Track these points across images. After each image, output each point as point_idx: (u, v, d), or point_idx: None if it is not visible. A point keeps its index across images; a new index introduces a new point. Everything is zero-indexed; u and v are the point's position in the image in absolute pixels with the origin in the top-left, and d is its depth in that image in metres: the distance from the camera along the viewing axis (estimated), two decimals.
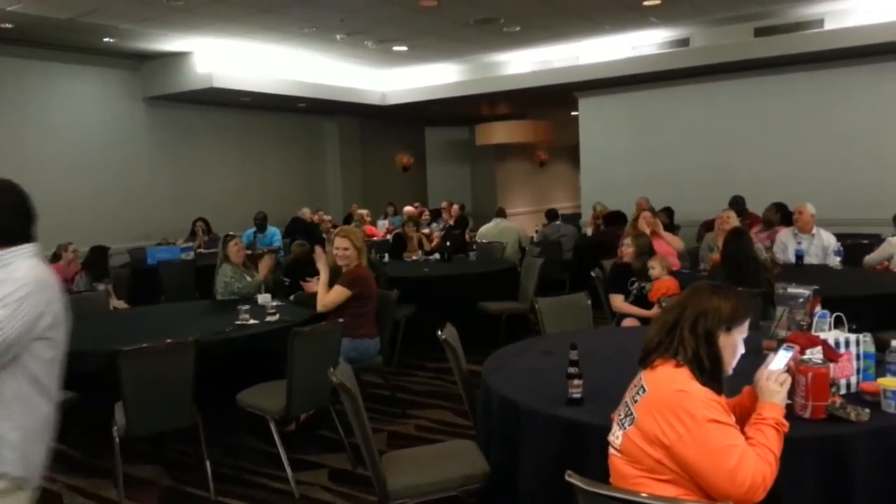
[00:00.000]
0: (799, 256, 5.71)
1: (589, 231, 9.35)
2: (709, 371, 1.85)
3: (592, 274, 5.26)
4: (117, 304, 5.79)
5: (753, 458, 1.74)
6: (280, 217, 10.11)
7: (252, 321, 4.27)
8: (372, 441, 2.58)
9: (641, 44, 9.15)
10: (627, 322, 4.73)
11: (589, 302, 4.27)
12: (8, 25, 7.28)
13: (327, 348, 3.61)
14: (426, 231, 8.78)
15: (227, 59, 9.15)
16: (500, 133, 13.00)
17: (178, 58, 9.10)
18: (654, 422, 1.80)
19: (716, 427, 1.74)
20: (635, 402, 1.88)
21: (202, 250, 8.55)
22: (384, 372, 4.79)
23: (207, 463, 3.56)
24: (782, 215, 6.58)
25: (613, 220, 7.45)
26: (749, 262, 4.48)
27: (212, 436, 3.71)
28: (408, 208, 9.70)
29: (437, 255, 7.17)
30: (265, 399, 3.65)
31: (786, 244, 5.99)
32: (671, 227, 7.58)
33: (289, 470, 3.56)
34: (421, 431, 4.38)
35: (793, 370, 1.99)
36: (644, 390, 1.88)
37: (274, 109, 11.22)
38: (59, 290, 1.87)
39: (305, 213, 9.92)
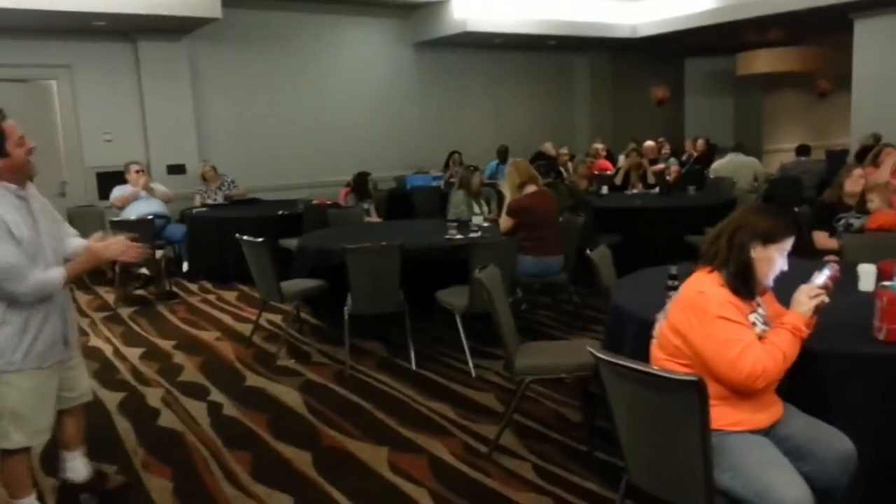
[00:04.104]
0: None
1: None
2: (739, 278, 2.14)
3: (796, 209, 5.11)
4: (370, 218, 7.08)
5: (758, 351, 2.03)
6: (528, 151, 10.82)
7: (458, 236, 5.10)
8: (506, 327, 3.22)
9: None
10: (829, 259, 4.60)
11: None
12: None
13: (504, 259, 4.26)
14: (660, 166, 8.81)
15: (481, 3, 9.93)
16: (764, 61, 12.02)
17: (439, 5, 10.13)
18: (678, 315, 2.17)
19: (723, 323, 2.06)
20: (671, 300, 2.25)
21: (453, 179, 9.67)
22: (568, 290, 5.34)
23: (411, 343, 4.53)
24: None
25: (862, 156, 6.78)
26: None
27: (419, 324, 4.68)
28: (648, 143, 9.72)
29: (657, 189, 7.31)
30: (454, 297, 4.45)
31: None
32: None
33: (468, 354, 4.37)
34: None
35: (830, 287, 2.15)
36: (679, 292, 2.23)
37: (524, 49, 11.82)
38: None
39: (548, 147, 10.48)
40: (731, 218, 2.25)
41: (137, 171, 7.21)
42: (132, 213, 7.01)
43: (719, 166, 8.09)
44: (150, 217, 6.77)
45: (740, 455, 2.01)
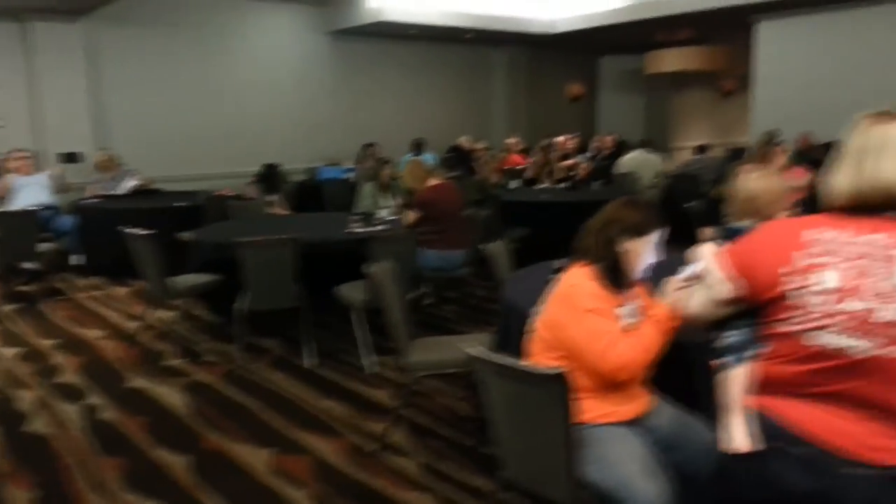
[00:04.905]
0: None
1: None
2: (609, 271, 2.13)
3: (685, 205, 5.25)
4: (276, 210, 6.86)
5: (624, 344, 2.02)
6: (444, 144, 10.77)
7: (359, 229, 4.98)
8: (397, 322, 3.14)
9: None
10: None
11: None
12: None
13: (403, 252, 4.19)
14: (570, 161, 8.94)
15: None
16: (671, 60, 12.37)
17: None
18: (552, 309, 2.15)
19: (592, 316, 2.04)
20: (548, 295, 2.22)
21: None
22: (472, 284, 5.33)
23: (307, 340, 4.39)
24: None
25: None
26: None
27: (323, 319, 4.52)
28: (558, 139, 9.83)
29: (565, 184, 7.40)
30: (353, 292, 4.34)
31: None
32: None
33: (363, 351, 4.27)
34: None
35: (697, 279, 2.16)
36: (555, 286, 2.21)
37: (441, 41, 11.75)
38: None
39: (463, 141, 10.47)
40: (601, 213, 2.24)
41: (18, 159, 6.72)
42: (18, 203, 6.55)
43: (625, 162, 8.28)
44: (34, 208, 6.34)
45: (605, 447, 2.00)
